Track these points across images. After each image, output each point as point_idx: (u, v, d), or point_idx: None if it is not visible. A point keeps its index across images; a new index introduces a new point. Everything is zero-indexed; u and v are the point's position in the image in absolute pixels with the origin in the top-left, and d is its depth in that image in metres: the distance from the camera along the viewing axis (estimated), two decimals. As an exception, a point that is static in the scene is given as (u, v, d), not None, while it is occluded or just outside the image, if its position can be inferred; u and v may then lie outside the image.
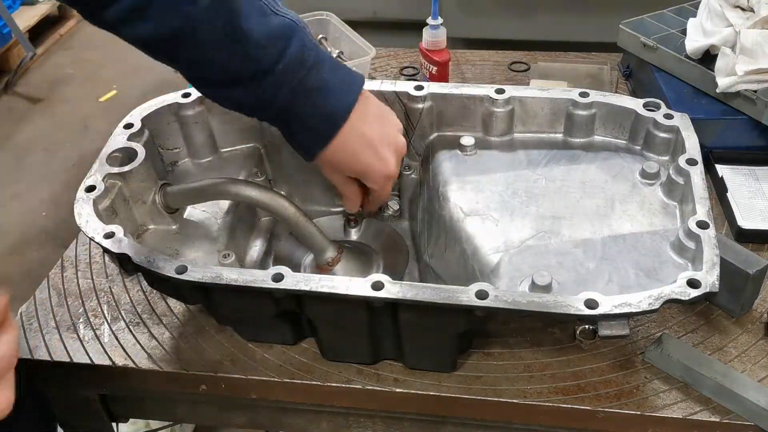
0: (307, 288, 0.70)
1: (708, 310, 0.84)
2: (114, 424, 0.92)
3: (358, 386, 0.78)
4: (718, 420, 0.73)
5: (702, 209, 0.74)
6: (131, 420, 0.96)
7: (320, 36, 1.33)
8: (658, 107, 0.87)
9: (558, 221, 0.80)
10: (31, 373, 0.84)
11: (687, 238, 0.73)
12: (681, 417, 0.74)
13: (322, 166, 0.82)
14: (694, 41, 1.08)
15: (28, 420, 0.73)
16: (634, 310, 0.65)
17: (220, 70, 0.72)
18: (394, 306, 0.71)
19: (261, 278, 0.71)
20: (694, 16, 1.14)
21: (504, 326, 0.83)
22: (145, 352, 0.82)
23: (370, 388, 0.78)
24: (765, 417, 0.71)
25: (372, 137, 0.79)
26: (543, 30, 1.54)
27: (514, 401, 0.76)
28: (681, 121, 0.85)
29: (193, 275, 0.71)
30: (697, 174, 0.78)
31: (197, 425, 1.49)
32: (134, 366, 0.81)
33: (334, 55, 1.29)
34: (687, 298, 0.66)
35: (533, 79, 1.20)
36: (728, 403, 0.74)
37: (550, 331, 0.82)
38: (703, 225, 0.72)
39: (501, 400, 0.76)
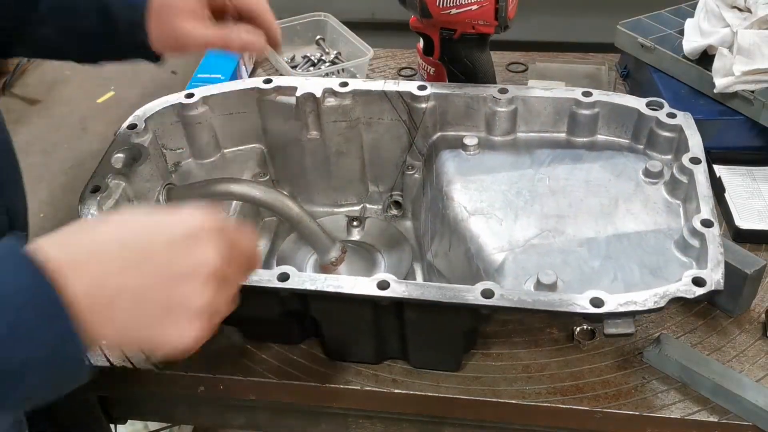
0: (313, 287, 0.70)
1: (706, 310, 0.84)
2: (113, 426, 0.92)
3: (356, 387, 0.78)
4: (716, 420, 0.73)
5: (706, 207, 0.74)
6: (129, 421, 0.96)
7: (318, 37, 1.34)
8: (661, 106, 0.87)
9: (562, 220, 0.80)
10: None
11: (691, 236, 0.73)
12: (679, 417, 0.74)
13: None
14: (692, 42, 1.08)
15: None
16: (639, 309, 0.65)
17: None
18: (399, 305, 0.71)
19: (267, 278, 0.70)
20: (692, 16, 1.14)
21: (502, 327, 0.83)
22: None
23: (369, 389, 0.78)
24: (763, 417, 0.71)
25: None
26: (541, 30, 1.53)
27: (513, 402, 0.76)
28: (684, 119, 0.85)
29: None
30: (701, 172, 0.78)
31: (196, 427, 1.48)
32: (133, 367, 0.81)
33: (332, 56, 1.29)
34: (692, 296, 0.66)
35: (531, 79, 1.20)
36: (726, 403, 0.74)
37: (549, 331, 0.82)
38: (707, 223, 0.72)
39: (499, 400, 0.76)
